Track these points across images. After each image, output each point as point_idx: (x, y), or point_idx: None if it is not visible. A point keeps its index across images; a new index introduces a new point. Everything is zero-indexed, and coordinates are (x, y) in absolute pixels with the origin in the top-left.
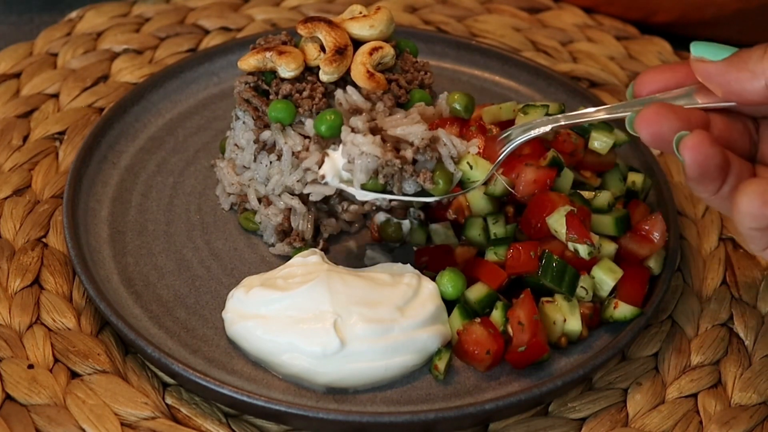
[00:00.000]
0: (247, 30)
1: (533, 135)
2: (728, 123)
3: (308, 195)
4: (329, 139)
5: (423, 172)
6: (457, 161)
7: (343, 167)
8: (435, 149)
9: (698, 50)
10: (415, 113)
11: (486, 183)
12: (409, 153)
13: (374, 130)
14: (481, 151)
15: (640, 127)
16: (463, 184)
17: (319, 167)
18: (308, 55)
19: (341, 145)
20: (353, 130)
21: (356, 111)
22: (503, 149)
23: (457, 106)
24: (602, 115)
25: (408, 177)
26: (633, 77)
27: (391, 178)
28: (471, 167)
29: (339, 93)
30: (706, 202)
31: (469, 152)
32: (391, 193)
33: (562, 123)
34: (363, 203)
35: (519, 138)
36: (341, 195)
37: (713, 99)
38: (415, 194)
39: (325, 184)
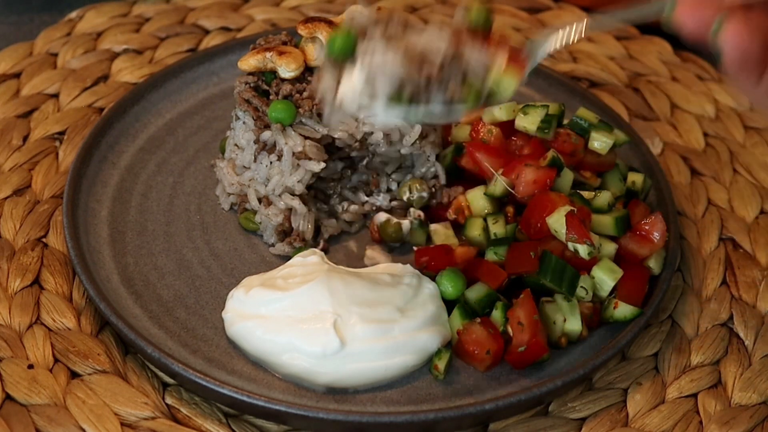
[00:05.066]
0: (247, 30)
1: (563, 42)
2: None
3: (308, 194)
4: (342, 64)
5: (451, 86)
6: (483, 75)
7: (361, 91)
8: (461, 62)
9: None
10: (434, 28)
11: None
12: (433, 68)
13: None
14: (505, 63)
15: (684, 16)
16: (490, 99)
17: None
18: (308, 55)
19: (357, 65)
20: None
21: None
22: (530, 62)
23: (477, 19)
24: (630, 15)
25: (435, 92)
26: (633, 77)
27: (417, 95)
28: (498, 80)
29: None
30: (747, 96)
31: (496, 64)
32: (417, 109)
33: (588, 24)
34: (363, 203)
35: (546, 46)
36: (341, 195)
37: None
38: (441, 116)
39: (343, 110)
